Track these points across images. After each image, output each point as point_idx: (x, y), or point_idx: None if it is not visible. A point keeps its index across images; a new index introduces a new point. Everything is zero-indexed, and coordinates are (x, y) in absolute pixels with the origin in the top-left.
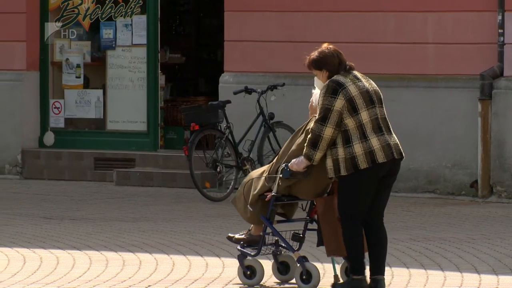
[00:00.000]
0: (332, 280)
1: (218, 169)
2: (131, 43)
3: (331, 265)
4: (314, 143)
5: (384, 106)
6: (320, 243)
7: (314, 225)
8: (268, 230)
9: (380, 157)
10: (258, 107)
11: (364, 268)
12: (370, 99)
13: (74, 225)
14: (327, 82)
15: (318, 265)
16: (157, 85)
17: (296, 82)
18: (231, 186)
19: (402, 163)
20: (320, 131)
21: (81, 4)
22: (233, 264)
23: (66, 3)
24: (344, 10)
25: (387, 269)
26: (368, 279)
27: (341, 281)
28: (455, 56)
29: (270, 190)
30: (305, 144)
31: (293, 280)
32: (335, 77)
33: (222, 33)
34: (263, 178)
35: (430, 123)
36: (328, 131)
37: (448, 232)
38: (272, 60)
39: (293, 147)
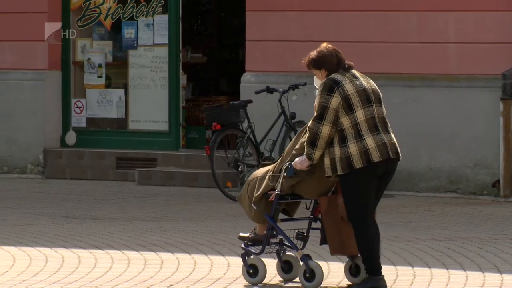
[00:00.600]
0: (337, 279)
1: (239, 169)
2: (152, 42)
3: (336, 263)
4: (312, 142)
5: (383, 106)
6: (323, 241)
7: (318, 224)
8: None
9: (375, 156)
10: (280, 106)
11: (380, 267)
12: (367, 97)
13: (96, 224)
14: (324, 80)
15: (323, 263)
16: (179, 84)
17: None
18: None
19: (424, 162)
20: (318, 130)
21: (102, 3)
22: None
23: (87, 2)
24: (365, 10)
25: (409, 268)
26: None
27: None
28: (477, 55)
29: (274, 189)
30: (305, 143)
31: (297, 279)
32: (332, 75)
33: (244, 32)
34: (267, 177)
35: (452, 123)
36: (325, 129)
37: (470, 232)
38: (294, 59)
39: (297, 146)
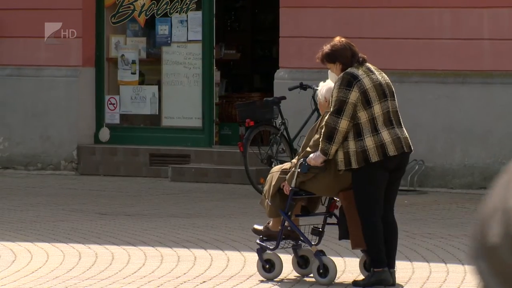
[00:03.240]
0: (353, 275)
1: (273, 165)
2: (186, 39)
3: (351, 259)
4: (329, 136)
5: (396, 99)
6: (342, 236)
7: (334, 220)
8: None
9: (391, 151)
10: (313, 103)
11: (385, 261)
12: (383, 92)
13: (129, 221)
14: (341, 74)
15: (338, 259)
16: (212, 81)
17: None
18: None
19: (458, 159)
20: (336, 124)
21: (136, 0)
22: (288, 261)
23: None
24: (400, 6)
25: (442, 265)
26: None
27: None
28: (511, 52)
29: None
30: (321, 139)
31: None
32: (350, 70)
33: (277, 29)
34: (281, 171)
35: (486, 120)
36: (344, 124)
37: None
38: None
39: (310, 143)
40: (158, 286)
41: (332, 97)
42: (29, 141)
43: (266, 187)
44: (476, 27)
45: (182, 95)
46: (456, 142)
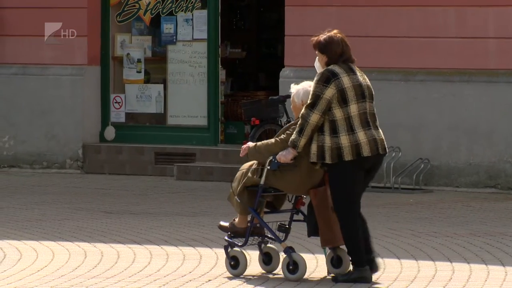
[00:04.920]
0: (321, 271)
1: None
2: (191, 37)
3: (322, 255)
4: (301, 129)
5: (374, 102)
6: (311, 233)
7: (300, 216)
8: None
9: (366, 151)
10: None
11: (364, 259)
12: (362, 93)
13: (134, 219)
14: (322, 70)
15: (309, 255)
16: (218, 79)
17: None
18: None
19: (463, 157)
20: (308, 117)
21: None
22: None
23: None
24: (405, 5)
25: (447, 264)
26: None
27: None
28: None
29: (256, 184)
30: (295, 131)
31: (278, 271)
32: (331, 67)
33: (283, 27)
34: (251, 170)
35: (491, 118)
36: (315, 118)
37: (509, 227)
38: None
39: (272, 140)
40: (164, 285)
41: (311, 90)
42: (35, 139)
43: (234, 184)
44: (481, 25)
45: (187, 94)
46: (461, 140)
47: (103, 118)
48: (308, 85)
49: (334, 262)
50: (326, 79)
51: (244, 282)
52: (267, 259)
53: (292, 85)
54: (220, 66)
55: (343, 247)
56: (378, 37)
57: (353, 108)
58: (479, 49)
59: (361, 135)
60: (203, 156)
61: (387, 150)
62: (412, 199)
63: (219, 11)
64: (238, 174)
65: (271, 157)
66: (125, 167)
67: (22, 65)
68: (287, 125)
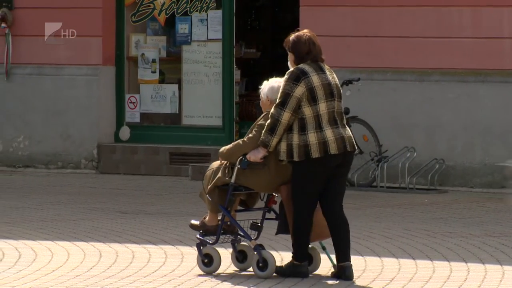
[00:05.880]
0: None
1: None
2: (206, 38)
3: (287, 253)
4: (272, 128)
5: (342, 101)
6: (279, 231)
7: (272, 215)
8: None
9: (333, 149)
10: None
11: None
12: (331, 92)
13: (149, 219)
14: (292, 68)
15: (274, 253)
16: (233, 80)
17: (371, 77)
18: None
19: (478, 158)
20: (279, 116)
21: None
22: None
23: None
24: (419, 5)
25: (462, 264)
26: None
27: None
28: None
29: (227, 183)
30: (263, 130)
31: (251, 268)
32: (301, 65)
33: (297, 27)
34: (221, 169)
35: (506, 118)
36: (286, 116)
37: None
38: (347, 55)
39: (244, 139)
40: (179, 285)
41: (280, 89)
42: (50, 139)
43: (205, 182)
44: (496, 25)
45: (202, 94)
46: (476, 141)
47: (118, 118)
48: (275, 81)
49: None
50: (296, 77)
51: (262, 282)
52: (241, 257)
53: (264, 82)
54: (235, 66)
55: (314, 244)
56: (393, 37)
57: (322, 107)
58: (494, 49)
59: (329, 133)
60: (218, 156)
61: (355, 147)
62: (427, 199)
63: (234, 11)
64: (208, 172)
65: (241, 156)
66: (140, 167)
67: (37, 65)
68: (255, 122)
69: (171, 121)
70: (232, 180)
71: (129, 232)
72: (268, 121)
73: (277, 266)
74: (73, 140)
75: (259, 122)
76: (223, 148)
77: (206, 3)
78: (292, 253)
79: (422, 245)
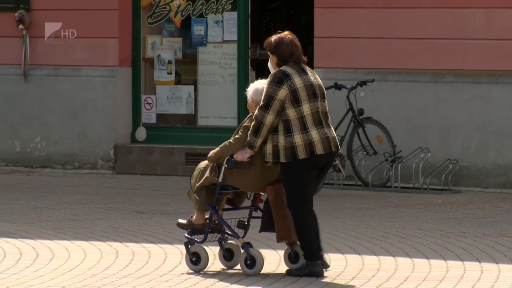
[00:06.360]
0: (274, 265)
1: None
2: (222, 39)
3: (272, 250)
4: (256, 130)
5: (326, 101)
6: (262, 229)
7: (259, 213)
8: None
9: (319, 149)
10: (348, 103)
11: (317, 254)
12: (314, 92)
13: (165, 219)
14: (274, 71)
15: (262, 251)
16: (248, 81)
17: (385, 78)
18: (321, 182)
19: (492, 158)
20: (262, 118)
21: (172, 1)
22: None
23: (157, 0)
24: (434, 7)
25: (476, 264)
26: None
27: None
28: None
29: (214, 183)
30: (249, 132)
31: (238, 266)
32: (283, 68)
33: (312, 29)
34: (209, 169)
35: None
36: (270, 118)
37: None
38: (362, 56)
39: (230, 139)
40: (195, 284)
41: (263, 92)
42: (67, 140)
43: (192, 181)
44: (510, 27)
45: (218, 95)
46: (490, 141)
47: (134, 119)
48: (259, 83)
49: (292, 257)
50: (279, 80)
51: (277, 281)
52: (228, 255)
53: (251, 84)
54: (250, 67)
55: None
56: (406, 38)
57: (306, 108)
58: (508, 50)
59: (314, 134)
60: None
61: (339, 148)
62: (441, 199)
63: (249, 13)
64: (196, 172)
65: (228, 156)
66: (156, 168)
67: (55, 66)
68: (241, 124)
69: (187, 121)
70: (220, 180)
71: (146, 232)
72: (253, 123)
73: (290, 270)
74: (90, 141)
75: (244, 124)
76: (211, 152)
77: (221, 5)
78: (304, 255)
79: (436, 245)
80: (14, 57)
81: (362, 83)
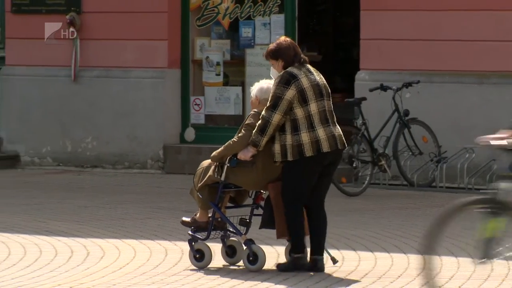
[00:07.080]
0: (275, 261)
1: (354, 165)
2: (269, 41)
3: (271, 247)
4: (262, 129)
5: (331, 100)
6: (262, 225)
7: (260, 211)
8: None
9: (325, 147)
10: (393, 104)
11: (304, 247)
12: (320, 92)
13: None
14: (281, 72)
15: (265, 247)
16: None
17: (430, 79)
18: (366, 181)
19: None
20: (269, 117)
21: (220, 3)
22: (368, 258)
23: (206, 2)
24: (478, 9)
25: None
26: (308, 259)
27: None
28: None
29: (217, 181)
30: (254, 130)
31: (241, 262)
32: (290, 69)
33: (358, 31)
34: (212, 168)
35: None
36: (276, 118)
37: None
38: (407, 57)
39: (234, 138)
40: (244, 282)
41: (271, 92)
42: (117, 140)
43: (195, 180)
44: None
45: None
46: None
47: (183, 120)
48: (264, 82)
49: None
50: (286, 81)
51: (304, 280)
52: (230, 252)
53: (255, 83)
54: None
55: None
56: (451, 40)
57: (313, 107)
58: None
59: (321, 132)
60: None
61: (346, 145)
62: None
63: (296, 15)
64: (199, 170)
65: (231, 155)
66: None
67: (105, 68)
68: (244, 122)
69: (235, 122)
70: (222, 178)
71: None
72: (259, 122)
73: (279, 264)
74: (139, 141)
75: (246, 122)
76: (214, 152)
77: (269, 8)
78: (291, 246)
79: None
80: (65, 59)
81: (408, 85)
